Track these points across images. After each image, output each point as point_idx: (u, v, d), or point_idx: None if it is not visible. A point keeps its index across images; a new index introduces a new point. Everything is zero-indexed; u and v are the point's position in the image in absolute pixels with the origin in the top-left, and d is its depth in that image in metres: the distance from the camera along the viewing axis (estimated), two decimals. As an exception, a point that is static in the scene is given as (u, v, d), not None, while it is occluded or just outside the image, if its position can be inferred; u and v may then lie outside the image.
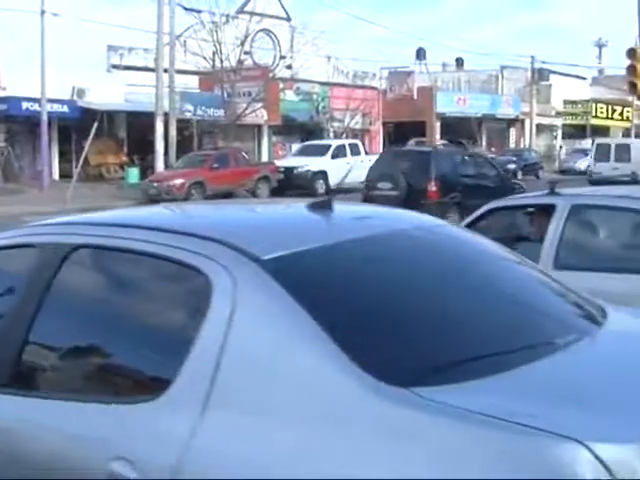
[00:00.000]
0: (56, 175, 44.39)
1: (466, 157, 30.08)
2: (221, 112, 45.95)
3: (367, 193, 27.26)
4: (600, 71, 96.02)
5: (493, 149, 67.13)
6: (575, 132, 78.69)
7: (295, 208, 4.72)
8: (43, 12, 39.63)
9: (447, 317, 3.49)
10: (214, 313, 3.17)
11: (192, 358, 3.13)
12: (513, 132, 74.67)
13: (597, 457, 2.53)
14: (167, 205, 5.09)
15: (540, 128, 74.59)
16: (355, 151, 44.17)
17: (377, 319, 3.27)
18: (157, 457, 3.02)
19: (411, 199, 22.72)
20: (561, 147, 73.22)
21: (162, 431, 3.07)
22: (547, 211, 8.49)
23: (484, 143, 68.43)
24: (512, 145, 71.87)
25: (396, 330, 3.26)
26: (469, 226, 8.94)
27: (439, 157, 27.77)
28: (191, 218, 4.45)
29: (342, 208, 4.44)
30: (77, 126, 44.15)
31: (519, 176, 49.37)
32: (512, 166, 54.02)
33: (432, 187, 24.98)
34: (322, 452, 2.75)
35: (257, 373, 3.03)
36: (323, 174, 41.37)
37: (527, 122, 71.38)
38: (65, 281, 3.74)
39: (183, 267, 3.37)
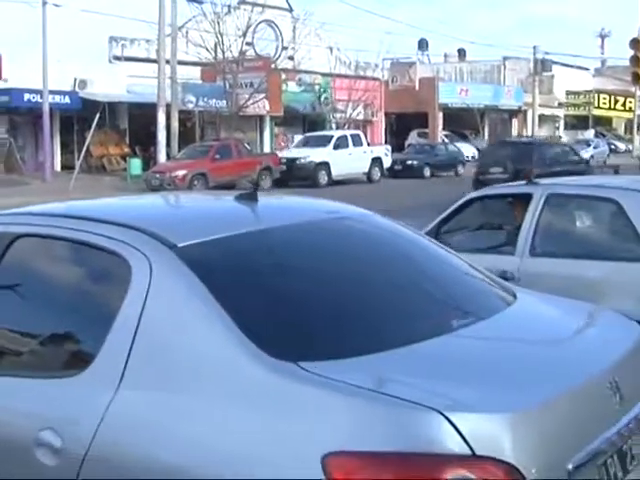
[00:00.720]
0: (58, 166, 44.41)
1: (558, 147, 37.35)
2: (223, 103, 45.91)
3: (479, 176, 31.97)
4: (603, 62, 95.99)
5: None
6: (577, 123, 78.76)
7: (222, 200, 5.17)
8: (45, 3, 39.63)
9: (342, 299, 3.78)
10: (132, 295, 3.45)
11: (111, 336, 3.42)
12: (515, 123, 74.62)
13: (455, 427, 2.78)
14: (109, 197, 5.43)
15: (542, 119, 74.52)
16: (357, 142, 44.16)
17: (275, 301, 3.56)
18: (78, 427, 3.29)
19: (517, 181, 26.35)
20: (560, 137, 73.17)
21: (84, 403, 3.34)
22: (525, 200, 8.64)
23: (486, 134, 68.40)
24: (514, 136, 71.86)
25: (291, 311, 3.55)
26: (452, 215, 9.46)
27: (539, 147, 34.92)
28: (122, 209, 4.69)
29: (267, 199, 4.79)
30: (79, 117, 44.21)
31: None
32: (514, 157, 54.01)
33: (535, 171, 28.24)
34: (220, 422, 3.03)
35: (165, 350, 3.31)
36: (325, 165, 41.37)
37: (529, 113, 71.24)
38: (6, 266, 4.03)
39: (107, 253, 3.66)
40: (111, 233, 3.72)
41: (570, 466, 3.06)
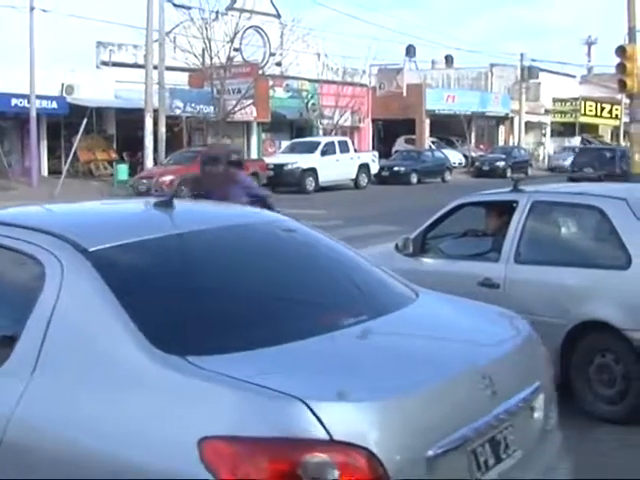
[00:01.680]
0: (45, 171, 44.28)
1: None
2: (211, 109, 45.93)
3: (573, 175, 42.16)
4: (589, 69, 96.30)
5: (482, 147, 67.30)
6: (564, 130, 78.90)
7: (140, 207, 5.57)
8: (32, 8, 39.52)
9: (234, 299, 4.17)
10: (45, 295, 3.79)
11: (26, 332, 3.75)
12: (502, 130, 74.76)
13: (315, 415, 3.11)
14: (37, 204, 5.67)
15: (529, 126, 74.68)
16: (344, 148, 44.27)
17: (170, 301, 3.94)
18: None
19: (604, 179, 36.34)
20: (539, 144, 73.29)
21: (2, 394, 3.66)
22: (510, 207, 8.83)
23: (473, 141, 68.51)
24: (501, 143, 72.01)
25: (184, 310, 3.89)
26: (439, 221, 9.67)
27: (620, 151, 47.09)
28: (44, 215, 5.04)
29: (183, 206, 5.08)
30: (66, 122, 44.12)
31: (508, 174, 49.39)
32: (501, 164, 54.14)
33: (617, 170, 41.93)
34: (115, 407, 3.38)
35: (71, 346, 3.65)
36: (313, 171, 41.45)
37: (516, 120, 71.41)
38: None
39: (25, 256, 4.01)
40: (30, 238, 4.07)
41: (430, 452, 3.37)
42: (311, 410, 3.12)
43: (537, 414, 4.23)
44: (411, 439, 3.36)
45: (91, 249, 3.96)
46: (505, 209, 9.08)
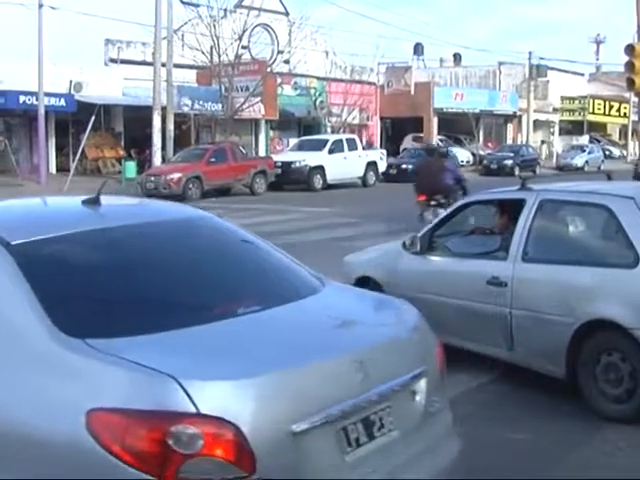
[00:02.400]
0: (53, 169, 44.33)
1: None
2: (219, 106, 45.94)
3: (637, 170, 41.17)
4: (598, 67, 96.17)
5: (490, 145, 67.19)
6: (572, 128, 78.86)
7: (68, 203, 5.89)
8: (41, 5, 39.55)
9: (138, 289, 4.62)
10: None
11: None
12: (510, 128, 74.68)
13: (185, 390, 3.55)
14: None
15: (537, 124, 74.61)
16: (352, 146, 44.20)
17: (80, 290, 4.38)
18: None
19: None
20: (544, 142, 73.20)
21: None
22: (518, 205, 8.89)
23: (481, 139, 68.44)
24: (509, 141, 71.92)
25: (91, 298, 4.35)
26: (446, 219, 9.89)
27: None
28: None
29: (110, 204, 5.47)
30: (74, 120, 44.17)
31: (516, 172, 49.31)
32: (509, 162, 54.03)
33: None
34: (19, 380, 3.87)
35: None
36: (320, 169, 41.42)
37: (524, 118, 71.33)
38: None
39: None
40: None
41: (294, 427, 3.76)
42: (182, 386, 3.56)
43: (419, 398, 4.57)
44: (275, 415, 3.75)
45: (13, 242, 4.43)
46: (513, 207, 9.13)
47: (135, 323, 4.18)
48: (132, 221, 5.15)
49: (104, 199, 5.17)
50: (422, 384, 4.59)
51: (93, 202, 5.09)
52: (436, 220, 10.03)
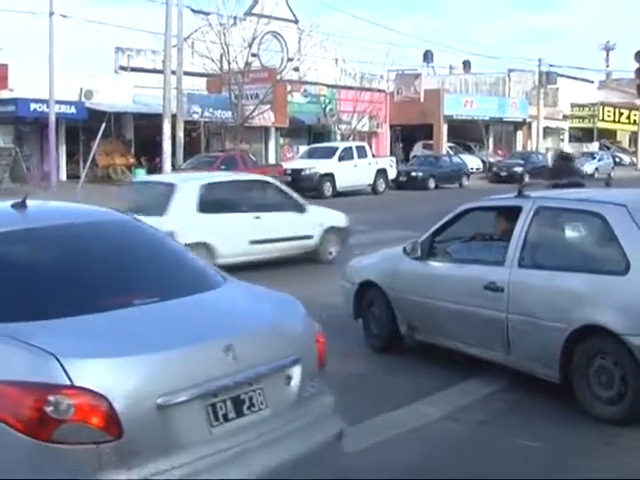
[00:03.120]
0: (64, 176, 44.50)
1: None
2: (229, 114, 46.01)
3: None
4: (608, 74, 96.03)
5: (500, 152, 67.12)
6: (582, 135, 78.77)
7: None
8: (52, 14, 39.73)
9: (50, 280, 5.22)
10: None
11: None
12: (520, 135, 74.64)
13: (62, 365, 4.23)
14: None
15: (547, 131, 74.56)
16: (362, 154, 44.19)
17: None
18: None
19: None
20: (548, 150, 73.13)
21: None
22: (515, 212, 9.12)
23: (491, 146, 68.41)
24: (519, 148, 71.85)
25: (3, 288, 4.96)
26: (446, 225, 10.15)
27: None
28: None
29: (36, 206, 6.09)
30: (85, 127, 44.33)
31: (526, 179, 49.23)
32: (519, 169, 53.94)
33: None
34: None
35: None
36: (330, 176, 41.44)
37: (534, 125, 71.30)
38: None
39: None
40: None
41: (159, 401, 4.42)
42: (60, 363, 4.24)
43: (293, 382, 5.18)
44: (142, 390, 4.40)
45: None
46: (510, 214, 9.32)
47: (36, 310, 4.83)
48: (52, 222, 5.79)
49: (31, 203, 5.81)
50: (297, 370, 5.19)
51: (21, 205, 5.75)
52: (436, 226, 10.24)
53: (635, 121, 77.74)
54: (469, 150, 64.61)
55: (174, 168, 39.67)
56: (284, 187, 19.36)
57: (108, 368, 4.37)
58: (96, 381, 4.27)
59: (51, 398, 4.18)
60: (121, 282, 5.53)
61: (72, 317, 4.78)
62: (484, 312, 9.00)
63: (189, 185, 17.67)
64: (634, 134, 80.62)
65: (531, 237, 8.81)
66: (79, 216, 6.22)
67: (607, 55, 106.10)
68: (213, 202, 17.20)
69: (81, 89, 43.63)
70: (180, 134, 40.57)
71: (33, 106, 41.26)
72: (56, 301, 5.02)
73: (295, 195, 19.06)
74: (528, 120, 71.82)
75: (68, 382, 4.22)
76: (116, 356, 4.44)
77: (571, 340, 8.03)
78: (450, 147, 62.91)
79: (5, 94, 40.98)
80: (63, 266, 5.48)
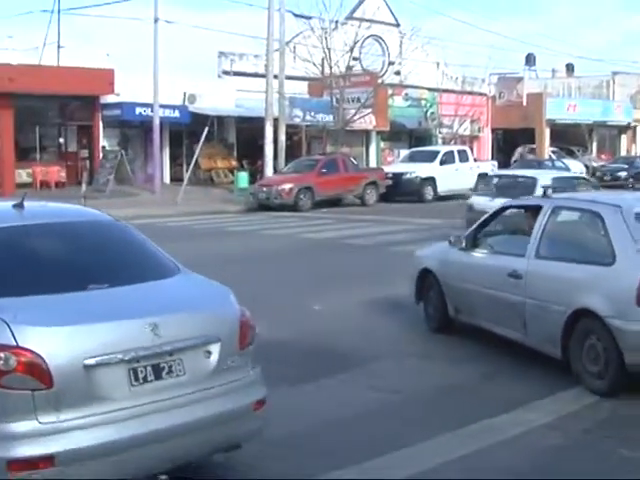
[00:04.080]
0: (167, 179, 45.13)
1: None
2: (330, 118, 46.20)
3: None
4: None
5: (603, 156, 66.10)
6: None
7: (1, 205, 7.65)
8: (157, 20, 40.37)
9: (26, 266, 6.36)
10: None
11: None
12: (624, 139, 73.44)
13: (11, 330, 5.43)
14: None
15: (653, 135, 73.23)
16: (463, 158, 43.96)
17: None
18: None
19: None
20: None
21: None
22: (537, 210, 10.54)
23: (594, 150, 67.44)
24: (623, 153, 70.64)
25: None
26: (487, 221, 11.71)
27: None
28: None
29: (31, 206, 7.07)
30: (188, 131, 44.93)
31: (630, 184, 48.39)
32: (623, 174, 53.04)
33: None
34: None
35: None
36: (432, 180, 41.31)
37: (639, 129, 70.07)
38: None
39: None
40: None
41: (85, 362, 5.55)
42: (10, 328, 5.43)
43: (213, 357, 6.19)
44: (73, 352, 5.55)
45: None
46: (535, 212, 10.64)
47: (9, 289, 5.95)
48: (37, 220, 6.86)
49: (28, 204, 6.93)
50: (216, 347, 6.22)
51: (19, 205, 6.86)
52: (480, 220, 11.82)
53: None
54: (572, 155, 63.74)
55: (275, 171, 40.01)
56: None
57: (46, 334, 5.55)
58: (36, 344, 5.45)
59: (1, 354, 5.37)
60: (82, 271, 6.60)
61: (32, 296, 5.92)
62: (508, 296, 10.34)
63: None
64: None
65: (547, 232, 10.11)
66: (63, 216, 7.38)
67: None
68: None
69: (184, 93, 44.23)
70: (282, 137, 40.92)
71: (138, 110, 41.97)
72: (23, 283, 6.15)
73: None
74: (633, 124, 70.63)
75: (14, 343, 5.41)
76: (54, 325, 5.63)
77: (569, 322, 9.25)
78: (553, 151, 62.14)
79: (111, 98, 41.75)
80: (36, 256, 6.56)
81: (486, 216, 11.81)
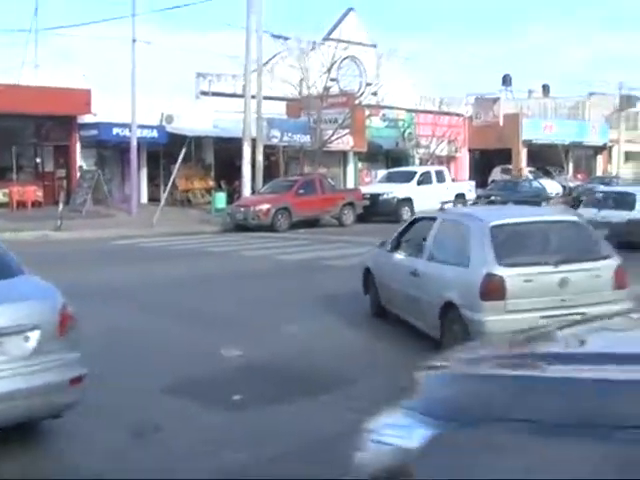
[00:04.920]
0: (144, 199, 45.09)
1: None
2: (307, 138, 46.27)
3: None
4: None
5: (580, 176, 66.45)
6: (665, 159, 77.57)
7: None
8: (134, 40, 40.36)
9: None
10: None
11: None
12: (600, 159, 73.86)
13: None
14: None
15: (629, 155, 73.65)
16: (441, 178, 44.07)
17: None
18: None
19: None
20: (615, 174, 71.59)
21: None
22: (434, 221, 13.09)
23: (571, 171, 67.80)
24: (599, 173, 71.02)
25: None
26: (405, 229, 14.44)
27: None
28: None
29: None
30: (165, 151, 44.90)
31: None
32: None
33: None
34: None
35: None
36: (409, 201, 41.39)
37: (615, 149, 70.53)
38: None
39: None
40: None
41: None
42: None
43: (31, 341, 7.42)
44: None
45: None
46: (433, 222, 13.06)
47: None
48: None
49: None
50: (35, 333, 7.44)
51: None
52: (399, 230, 14.64)
53: None
54: (548, 175, 64.06)
55: (253, 192, 40.01)
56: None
57: None
58: None
59: None
60: None
61: None
62: (411, 291, 12.82)
63: None
64: None
65: (436, 239, 12.60)
66: None
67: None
68: None
69: (162, 114, 44.22)
70: (259, 158, 40.95)
71: (115, 130, 41.92)
72: None
73: None
74: (608, 144, 71.06)
75: None
76: None
77: (442, 312, 11.50)
78: (530, 172, 62.42)
79: (88, 118, 41.69)
80: None
81: (405, 224, 14.84)
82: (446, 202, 14.98)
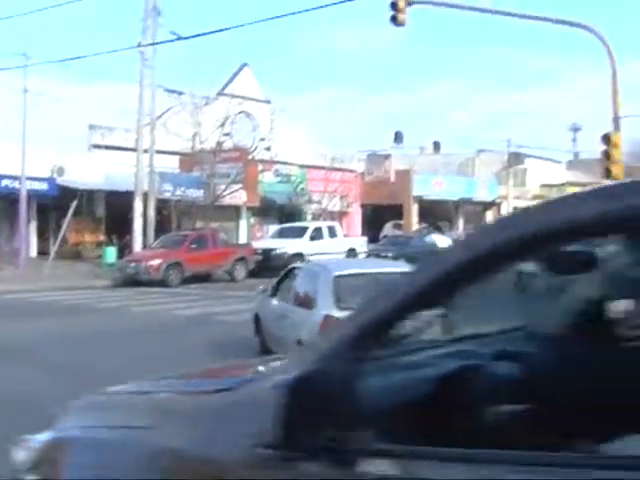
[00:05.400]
0: (34, 253, 44.41)
1: None
2: (200, 192, 46.22)
3: None
4: (575, 154, 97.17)
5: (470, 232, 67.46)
6: (551, 216, 79.18)
7: None
8: (26, 91, 39.96)
9: None
10: None
11: None
12: (490, 215, 75.15)
13: None
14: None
15: (516, 211, 74.96)
16: (333, 233, 44.45)
17: None
18: None
19: None
20: None
21: None
22: (293, 272, 15.81)
23: (461, 226, 68.86)
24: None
25: None
26: (282, 278, 16.34)
27: None
28: None
29: None
30: (56, 204, 44.30)
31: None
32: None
33: None
34: None
35: None
36: (300, 256, 41.54)
37: (504, 205, 71.89)
38: None
39: None
40: None
41: None
42: None
43: None
44: None
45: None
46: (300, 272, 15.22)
47: None
48: None
49: None
50: None
51: None
52: (278, 278, 16.56)
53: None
54: (439, 230, 64.95)
55: (144, 246, 39.72)
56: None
57: None
58: None
59: None
60: None
61: None
62: (280, 332, 14.21)
63: None
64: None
65: (298, 285, 14.37)
66: None
67: (574, 136, 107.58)
68: None
69: (53, 166, 43.73)
70: (151, 212, 40.75)
71: (4, 182, 41.35)
72: None
73: None
74: (497, 200, 72.43)
75: None
76: None
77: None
78: (423, 227, 63.21)
79: (-24, 170, 41.01)
80: None
81: (283, 273, 16.67)
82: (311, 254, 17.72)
